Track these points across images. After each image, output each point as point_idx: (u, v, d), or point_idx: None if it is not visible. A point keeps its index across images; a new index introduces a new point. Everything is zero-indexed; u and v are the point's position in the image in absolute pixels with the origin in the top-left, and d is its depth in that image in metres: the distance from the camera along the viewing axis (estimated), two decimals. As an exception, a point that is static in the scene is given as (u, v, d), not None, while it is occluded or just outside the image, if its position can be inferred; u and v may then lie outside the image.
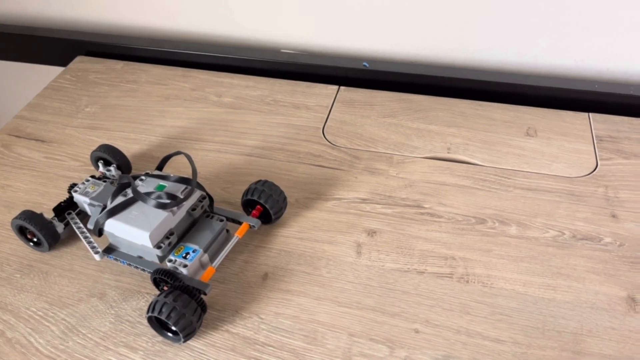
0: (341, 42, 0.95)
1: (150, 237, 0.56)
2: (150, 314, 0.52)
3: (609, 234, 0.64)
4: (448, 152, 0.76)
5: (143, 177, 0.62)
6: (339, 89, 0.89)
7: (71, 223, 0.64)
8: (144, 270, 0.59)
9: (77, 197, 0.65)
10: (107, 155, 0.70)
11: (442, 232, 0.65)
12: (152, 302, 0.52)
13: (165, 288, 0.57)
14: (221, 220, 0.61)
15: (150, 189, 0.60)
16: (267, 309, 0.58)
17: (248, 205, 0.65)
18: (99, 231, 0.59)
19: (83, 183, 0.65)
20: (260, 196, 0.63)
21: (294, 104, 0.86)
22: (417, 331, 0.55)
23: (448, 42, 0.90)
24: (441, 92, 0.87)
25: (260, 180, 0.65)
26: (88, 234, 0.62)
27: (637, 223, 0.64)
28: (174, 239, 0.58)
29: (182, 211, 0.59)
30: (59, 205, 0.65)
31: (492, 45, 0.89)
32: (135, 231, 0.56)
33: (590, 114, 0.82)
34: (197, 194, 0.62)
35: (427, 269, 0.61)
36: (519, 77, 0.87)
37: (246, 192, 0.64)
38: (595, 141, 0.77)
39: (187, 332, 0.53)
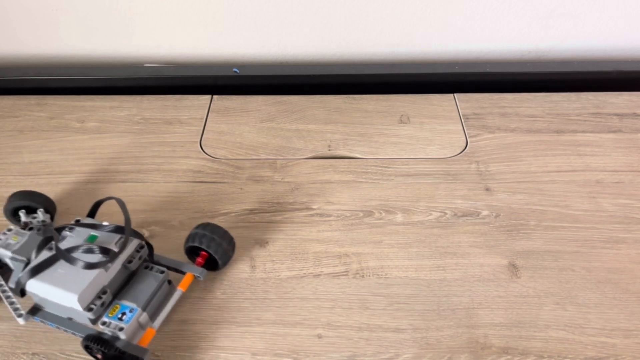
0: (207, 50, 0.92)
1: (80, 299, 0.49)
2: None
3: (486, 207, 0.67)
4: (329, 150, 0.77)
5: (72, 226, 0.55)
6: (212, 98, 0.86)
7: None
8: (74, 334, 0.52)
9: None
10: (28, 201, 0.61)
11: (333, 231, 0.65)
12: None
13: (99, 356, 0.50)
14: (162, 272, 0.55)
15: (80, 241, 0.53)
16: (162, 344, 0.54)
17: (192, 252, 0.59)
18: (21, 291, 0.51)
19: (4, 233, 0.57)
20: (202, 241, 0.57)
21: (165, 119, 0.82)
22: (320, 336, 0.54)
23: (311, 39, 0.90)
24: (314, 90, 0.87)
25: (202, 224, 0.59)
26: (10, 294, 0.54)
27: (508, 193, 0.69)
28: (108, 298, 0.51)
29: (116, 265, 0.52)
30: None
31: (357, 38, 0.90)
32: (62, 293, 0.49)
33: (455, 94, 0.86)
34: (134, 243, 0.54)
35: (322, 271, 0.61)
36: (386, 66, 0.90)
37: (189, 238, 0.58)
38: (462, 120, 0.81)
39: None
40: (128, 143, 0.78)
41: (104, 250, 0.52)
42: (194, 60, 0.94)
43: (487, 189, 0.70)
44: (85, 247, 0.52)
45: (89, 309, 0.50)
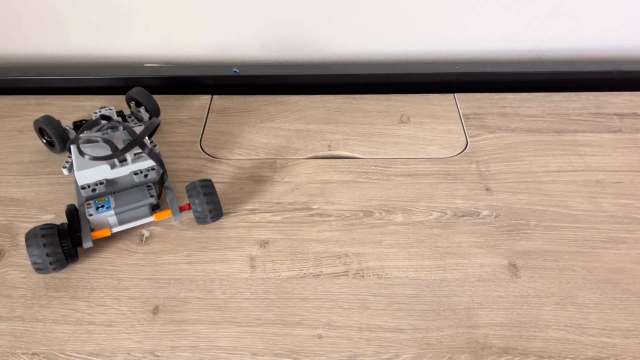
0: (207, 50, 0.92)
1: (78, 176, 0.63)
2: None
3: (486, 207, 0.67)
4: (329, 150, 0.77)
5: (127, 127, 0.68)
6: (211, 98, 0.86)
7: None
8: (76, 198, 0.65)
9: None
10: (139, 97, 0.76)
11: (333, 231, 0.65)
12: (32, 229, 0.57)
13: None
14: (152, 196, 0.63)
15: (120, 139, 0.67)
16: (161, 344, 0.54)
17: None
18: (69, 149, 0.69)
19: (107, 109, 0.74)
20: (192, 194, 0.63)
21: (165, 119, 0.82)
22: (320, 337, 0.54)
23: (311, 39, 0.90)
24: (315, 90, 0.87)
25: (205, 180, 0.65)
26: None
27: (508, 193, 0.69)
28: (102, 189, 0.63)
29: (124, 170, 0.64)
30: (80, 121, 0.76)
31: (357, 37, 0.90)
32: (75, 166, 0.63)
33: (455, 94, 0.86)
34: (148, 162, 0.65)
35: (322, 271, 0.60)
36: (386, 66, 0.90)
37: (187, 186, 0.65)
38: (462, 120, 0.81)
39: (38, 267, 0.57)
40: (128, 143, 0.78)
41: (114, 149, 0.64)
42: (194, 60, 0.94)
43: (488, 189, 0.70)
44: (103, 140, 0.65)
45: (83, 187, 0.62)
